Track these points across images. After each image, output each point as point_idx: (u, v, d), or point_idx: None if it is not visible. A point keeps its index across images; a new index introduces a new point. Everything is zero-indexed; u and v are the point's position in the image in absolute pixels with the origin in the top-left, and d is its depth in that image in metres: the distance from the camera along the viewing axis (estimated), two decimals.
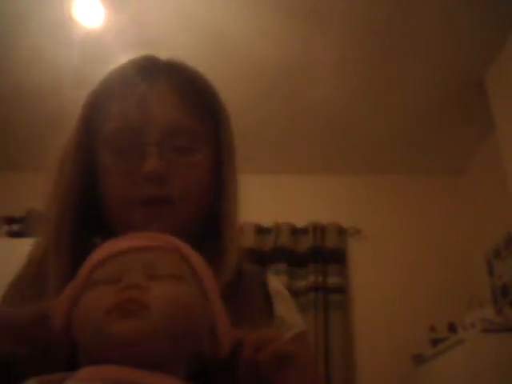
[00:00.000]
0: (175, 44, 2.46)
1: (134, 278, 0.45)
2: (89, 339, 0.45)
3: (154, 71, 0.68)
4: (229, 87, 3.20)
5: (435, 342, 2.68)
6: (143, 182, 0.61)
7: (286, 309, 0.70)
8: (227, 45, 2.48)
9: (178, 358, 0.46)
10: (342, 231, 3.28)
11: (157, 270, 0.47)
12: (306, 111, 2.94)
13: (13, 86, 2.68)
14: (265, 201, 3.37)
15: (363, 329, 3.09)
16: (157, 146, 0.62)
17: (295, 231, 3.27)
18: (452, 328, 2.72)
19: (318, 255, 3.16)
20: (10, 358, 0.49)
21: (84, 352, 0.46)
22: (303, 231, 3.27)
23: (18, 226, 2.89)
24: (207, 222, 0.68)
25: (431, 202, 3.42)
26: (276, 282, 0.75)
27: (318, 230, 3.24)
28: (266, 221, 3.27)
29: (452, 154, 3.30)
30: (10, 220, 2.93)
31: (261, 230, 3.25)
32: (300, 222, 3.28)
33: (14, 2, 2.23)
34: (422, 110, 2.92)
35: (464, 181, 3.44)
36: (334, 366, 2.88)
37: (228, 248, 0.65)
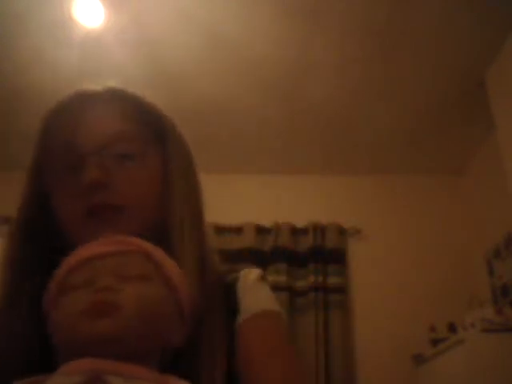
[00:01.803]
0: (175, 44, 2.47)
1: (105, 280, 0.49)
2: (66, 340, 0.49)
3: (93, 94, 0.70)
4: (230, 87, 3.20)
5: (435, 342, 2.68)
6: (86, 193, 0.62)
7: (251, 297, 0.67)
8: (227, 45, 2.48)
9: (150, 350, 0.51)
10: (342, 231, 3.28)
11: (126, 271, 0.51)
12: (305, 111, 2.94)
13: (13, 86, 2.68)
14: (265, 201, 3.38)
15: (363, 329, 3.09)
16: (94, 155, 0.64)
17: (295, 231, 3.27)
18: (452, 328, 2.72)
19: (318, 255, 3.16)
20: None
21: (62, 353, 0.50)
22: (303, 231, 3.27)
23: None
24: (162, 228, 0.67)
25: (431, 202, 3.42)
26: (249, 276, 0.71)
27: (318, 229, 3.24)
28: (266, 221, 3.27)
29: (452, 154, 3.30)
30: (10, 220, 2.93)
31: (261, 230, 3.25)
32: (300, 222, 3.28)
33: (13, 2, 2.23)
34: (422, 110, 2.92)
35: (464, 181, 3.44)
36: (334, 366, 2.88)
37: (182, 259, 0.62)
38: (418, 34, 2.42)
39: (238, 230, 3.22)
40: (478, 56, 2.53)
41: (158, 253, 0.56)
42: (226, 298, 0.66)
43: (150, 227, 0.65)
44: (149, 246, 0.56)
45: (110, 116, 0.67)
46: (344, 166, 3.44)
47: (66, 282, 0.52)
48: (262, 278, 0.72)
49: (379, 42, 2.47)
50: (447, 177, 3.48)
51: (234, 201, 3.28)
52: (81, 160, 0.64)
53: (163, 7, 2.29)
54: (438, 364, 2.51)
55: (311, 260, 3.14)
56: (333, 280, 3.10)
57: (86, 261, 0.52)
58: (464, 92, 2.76)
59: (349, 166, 3.43)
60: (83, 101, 0.68)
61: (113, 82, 0.73)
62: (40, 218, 0.67)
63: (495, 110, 2.56)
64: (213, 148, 3.17)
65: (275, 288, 2.81)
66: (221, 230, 3.15)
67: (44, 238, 0.67)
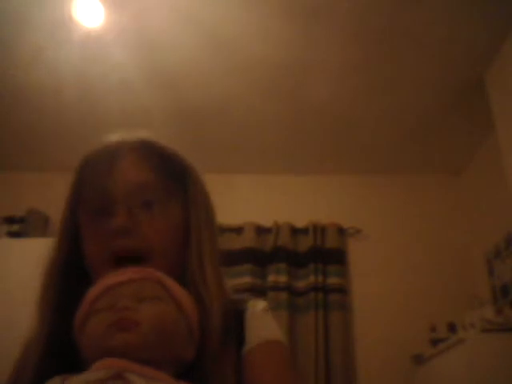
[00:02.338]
0: (175, 44, 2.47)
1: (125, 302, 0.58)
2: (94, 353, 0.57)
3: (124, 146, 0.77)
4: (230, 88, 3.19)
5: (435, 342, 2.68)
6: (113, 237, 0.69)
7: (257, 327, 0.73)
8: (228, 45, 2.48)
9: (165, 360, 0.58)
10: (342, 231, 3.28)
11: (142, 294, 0.60)
12: (306, 112, 2.94)
13: (13, 86, 2.68)
14: (265, 201, 3.38)
15: (363, 329, 3.09)
16: (123, 203, 0.70)
17: (295, 231, 3.27)
18: (452, 328, 2.73)
19: (318, 255, 3.16)
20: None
21: (91, 362, 0.57)
22: (303, 231, 3.27)
23: (17, 226, 2.89)
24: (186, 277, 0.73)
25: (431, 201, 3.42)
26: (257, 307, 0.77)
27: (318, 229, 3.24)
28: (266, 221, 3.27)
29: (452, 154, 3.30)
30: (10, 220, 2.93)
31: (261, 230, 3.25)
32: (300, 222, 3.28)
33: (14, 2, 2.23)
34: (422, 110, 2.92)
35: (464, 181, 3.44)
36: (334, 366, 2.88)
37: (208, 299, 0.69)
38: (418, 34, 2.42)
39: (238, 230, 3.22)
40: (478, 56, 2.53)
41: (169, 280, 0.64)
42: (236, 326, 0.72)
43: (171, 272, 0.70)
44: (161, 274, 0.64)
45: (138, 166, 0.74)
46: (344, 166, 3.43)
47: (92, 308, 0.60)
48: (267, 310, 0.79)
49: (380, 43, 2.47)
50: (447, 176, 3.48)
51: (234, 201, 3.28)
52: (110, 205, 0.71)
53: (163, 7, 2.29)
54: (438, 364, 2.52)
55: (311, 260, 3.14)
56: (333, 280, 3.10)
57: (107, 289, 0.61)
58: (464, 92, 2.76)
59: (349, 166, 3.43)
60: (114, 151, 0.75)
61: (142, 132, 0.80)
62: (73, 254, 0.74)
63: (495, 109, 2.56)
64: (213, 148, 3.17)
65: (275, 288, 2.83)
66: (221, 230, 3.14)
67: (76, 272, 0.73)
